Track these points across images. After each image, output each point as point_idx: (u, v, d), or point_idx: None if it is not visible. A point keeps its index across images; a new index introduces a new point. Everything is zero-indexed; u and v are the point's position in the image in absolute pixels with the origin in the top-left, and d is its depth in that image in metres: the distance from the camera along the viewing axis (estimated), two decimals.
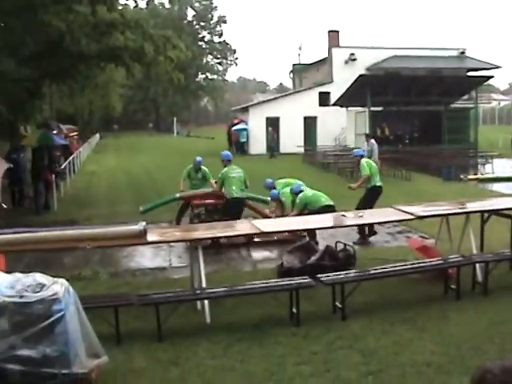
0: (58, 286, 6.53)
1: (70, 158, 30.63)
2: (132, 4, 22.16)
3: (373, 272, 9.40)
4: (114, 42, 20.48)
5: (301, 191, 13.71)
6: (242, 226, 10.42)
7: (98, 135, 75.94)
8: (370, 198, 14.68)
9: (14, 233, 9.15)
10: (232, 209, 13.66)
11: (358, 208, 13.56)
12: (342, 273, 9.23)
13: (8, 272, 7.08)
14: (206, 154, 42.76)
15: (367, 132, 27.65)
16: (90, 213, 19.58)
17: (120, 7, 20.96)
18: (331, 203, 13.46)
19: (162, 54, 20.75)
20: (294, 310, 8.56)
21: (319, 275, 9.03)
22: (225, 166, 14.49)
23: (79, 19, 19.58)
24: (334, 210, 12.66)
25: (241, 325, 8.62)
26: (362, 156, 15.50)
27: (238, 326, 8.56)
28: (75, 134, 39.36)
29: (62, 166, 26.42)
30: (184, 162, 22.86)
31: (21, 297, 6.33)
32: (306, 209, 13.31)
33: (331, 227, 10.90)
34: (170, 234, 10.05)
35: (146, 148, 52.73)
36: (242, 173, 14.36)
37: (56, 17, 18.05)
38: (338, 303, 8.82)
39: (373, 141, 25.53)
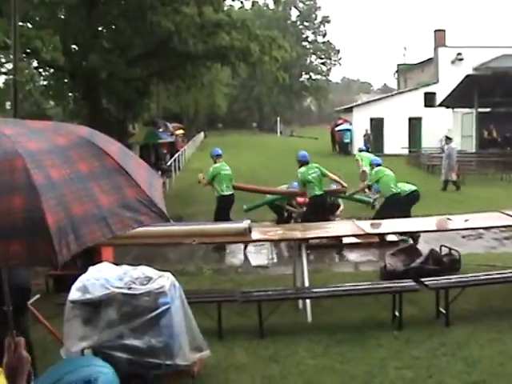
0: (164, 280, 6.66)
1: (176, 155, 31.31)
2: (237, 5, 22.18)
3: (479, 278, 9.08)
4: (221, 42, 20.82)
5: (379, 165, 13.65)
6: (346, 227, 10.34)
7: (202, 133, 77.27)
8: (387, 208, 13.65)
9: None
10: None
11: (374, 218, 13.11)
12: (446, 277, 8.98)
13: (116, 264, 7.29)
14: (310, 154, 42.86)
15: (448, 135, 26.84)
16: (195, 209, 19.95)
17: (226, 8, 21.17)
18: (416, 188, 14.21)
19: (267, 54, 20.91)
20: (397, 314, 8.40)
21: (423, 279, 8.82)
22: (215, 162, 14.91)
23: (186, 20, 20.00)
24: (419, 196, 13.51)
25: (342, 326, 8.54)
26: (378, 165, 15.26)
27: (338, 327, 8.48)
28: (181, 131, 40.12)
29: (168, 163, 27.05)
30: (286, 161, 23.02)
31: (129, 288, 6.50)
32: (378, 190, 14.27)
33: (436, 231, 10.62)
34: (273, 233, 10.11)
35: (250, 147, 53.12)
36: (230, 171, 15.04)
37: (165, 18, 18.50)
38: (441, 308, 8.57)
39: (452, 144, 25.10)
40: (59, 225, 2.95)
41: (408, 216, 13.07)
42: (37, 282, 11.17)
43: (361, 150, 15.43)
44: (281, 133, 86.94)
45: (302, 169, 14.13)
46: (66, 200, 3.10)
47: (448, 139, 25.13)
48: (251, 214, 15.12)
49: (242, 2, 22.52)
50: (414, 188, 14.40)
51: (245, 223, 9.21)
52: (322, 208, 13.95)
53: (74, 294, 6.62)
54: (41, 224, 2.88)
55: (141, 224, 3.42)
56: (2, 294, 5.66)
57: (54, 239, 2.85)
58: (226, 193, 14.62)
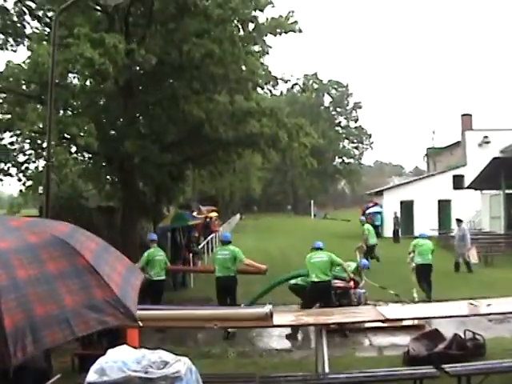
0: (180, 364, 6.58)
1: (209, 237, 31.45)
2: (269, 92, 22.61)
3: (504, 365, 8.78)
4: (251, 129, 21.16)
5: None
6: (367, 313, 10.19)
7: (238, 216, 77.66)
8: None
9: (144, 309, 9.45)
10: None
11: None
12: (469, 364, 8.72)
13: (142, 346, 7.26)
14: (342, 236, 42.91)
15: (459, 218, 26.46)
16: None
17: (256, 95, 21.64)
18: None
19: (295, 141, 21.17)
20: None
21: (445, 365, 8.58)
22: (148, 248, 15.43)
23: (219, 108, 20.46)
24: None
25: None
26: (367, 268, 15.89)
27: None
28: (215, 214, 40.44)
29: (201, 245, 27.15)
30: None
31: (145, 372, 6.44)
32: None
33: (456, 316, 10.38)
34: (295, 318, 10.00)
35: (284, 229, 53.15)
36: (163, 256, 15.75)
37: (196, 106, 18.97)
38: None
39: (464, 226, 24.85)
40: (17, 326, 2.98)
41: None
42: (63, 360, 11.19)
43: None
44: (315, 215, 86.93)
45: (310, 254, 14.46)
46: (28, 300, 3.13)
47: (459, 221, 24.82)
48: (278, 297, 14.98)
49: (270, 91, 22.76)
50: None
51: (266, 308, 9.13)
52: (320, 294, 13.83)
53: (92, 375, 6.57)
54: None
55: (106, 325, 3.42)
56: (22, 377, 5.69)
57: (9, 342, 2.89)
58: (155, 278, 14.88)
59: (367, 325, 12.88)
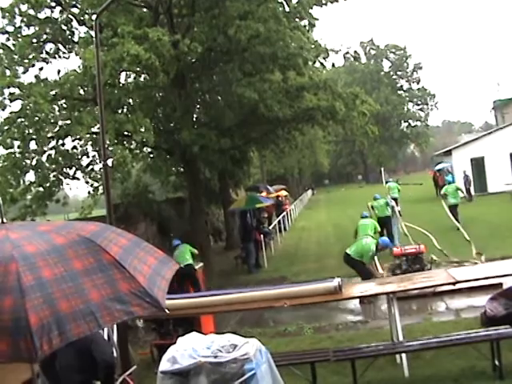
0: (249, 346, 6.61)
1: (280, 216, 31.52)
2: (321, 65, 22.29)
3: None
4: (307, 104, 21.00)
5: None
6: (437, 276, 9.96)
7: (309, 191, 77.54)
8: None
9: (214, 295, 9.54)
10: None
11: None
12: None
13: (218, 331, 7.37)
14: (415, 201, 42.21)
15: None
16: (299, 268, 19.87)
17: (311, 71, 21.41)
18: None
19: (353, 110, 20.89)
20: (497, 363, 7.93)
21: None
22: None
23: (273, 87, 20.40)
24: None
25: (440, 378, 8.17)
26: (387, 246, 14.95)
27: (437, 380, 8.13)
28: (284, 192, 40.47)
29: (272, 225, 27.23)
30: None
31: (215, 357, 6.50)
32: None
33: None
34: (364, 288, 9.88)
35: (356, 200, 52.52)
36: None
37: (249, 88, 18.93)
38: None
39: None
40: (42, 323, 3.11)
41: None
42: (143, 352, 11.47)
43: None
44: (386, 182, 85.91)
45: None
46: (53, 298, 3.27)
47: None
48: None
49: (322, 64, 22.45)
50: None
51: (335, 281, 9.05)
52: None
53: (164, 364, 6.69)
54: (24, 323, 3.04)
55: (131, 315, 3.52)
56: (92, 368, 5.86)
57: (35, 337, 3.01)
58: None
59: (443, 288, 12.63)
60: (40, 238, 3.73)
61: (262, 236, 22.00)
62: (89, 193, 17.19)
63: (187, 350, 6.81)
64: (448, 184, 36.06)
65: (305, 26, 20.68)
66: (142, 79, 20.14)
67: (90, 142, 17.02)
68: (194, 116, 21.85)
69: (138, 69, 17.35)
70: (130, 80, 19.94)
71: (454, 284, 9.34)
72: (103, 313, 3.37)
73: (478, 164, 42.97)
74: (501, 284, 12.27)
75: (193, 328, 8.69)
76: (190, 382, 6.40)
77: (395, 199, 25.99)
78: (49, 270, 3.40)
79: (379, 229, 17.81)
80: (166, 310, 3.92)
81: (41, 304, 3.20)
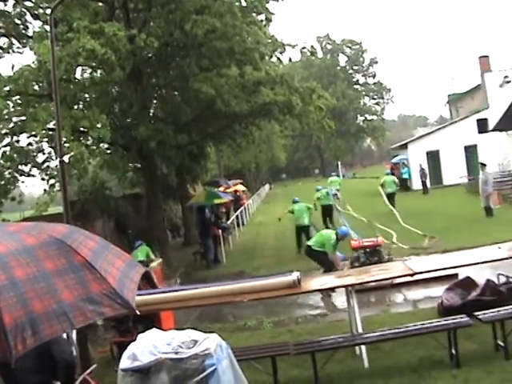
0: (209, 342, 6.62)
1: (238, 211, 31.52)
2: (281, 60, 22.40)
3: None
4: (264, 99, 21.05)
5: None
6: (395, 268, 10.11)
7: (267, 186, 77.69)
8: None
9: (173, 291, 9.52)
10: None
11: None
12: (501, 309, 8.60)
13: (178, 327, 7.35)
14: (371, 194, 42.72)
15: (482, 161, 25.57)
16: (258, 263, 19.94)
17: (268, 66, 21.46)
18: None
19: (310, 105, 21.01)
20: (454, 351, 8.09)
21: (477, 313, 8.49)
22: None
23: (229, 82, 20.39)
24: None
25: (399, 368, 8.29)
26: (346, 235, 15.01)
27: (396, 370, 8.24)
28: (241, 187, 40.38)
29: (230, 220, 27.23)
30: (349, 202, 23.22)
31: (176, 353, 6.49)
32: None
33: (486, 261, 10.17)
34: (323, 281, 9.96)
35: (313, 193, 52.84)
36: None
37: (206, 83, 18.88)
38: (499, 341, 8.21)
39: (488, 170, 24.12)
40: (16, 322, 3.10)
41: None
42: (103, 350, 11.38)
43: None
44: (343, 176, 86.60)
45: None
46: (26, 297, 3.28)
47: (482, 165, 24.14)
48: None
49: (278, 59, 22.57)
50: None
51: (294, 275, 9.11)
52: None
53: (124, 362, 6.65)
54: None
55: (103, 316, 3.56)
56: (51, 368, 5.78)
57: (9, 336, 2.99)
58: None
59: (401, 280, 12.81)
60: (10, 238, 3.73)
61: (220, 231, 21.97)
62: (45, 190, 16.94)
63: (147, 347, 6.79)
64: (403, 172, 37.18)
65: (261, 21, 20.72)
66: (97, 74, 19.90)
67: (45, 139, 16.76)
68: (151, 111, 21.68)
69: (94, 64, 17.20)
70: (85, 75, 19.70)
71: (411, 275, 9.50)
72: (76, 313, 3.38)
73: (434, 157, 43.73)
74: (456, 275, 12.55)
75: (153, 325, 8.63)
76: (150, 379, 6.38)
77: (391, 194, 28.95)
78: (21, 269, 3.40)
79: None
80: (137, 311, 3.94)
81: (14, 303, 3.20)
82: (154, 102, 22.19)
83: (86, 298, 3.51)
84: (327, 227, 21.89)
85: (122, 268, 4.15)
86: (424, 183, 40.51)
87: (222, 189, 31.77)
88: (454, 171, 41.21)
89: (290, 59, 35.38)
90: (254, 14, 20.55)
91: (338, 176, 42.42)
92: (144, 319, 10.60)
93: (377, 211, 26.41)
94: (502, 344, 8.14)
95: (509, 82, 43.23)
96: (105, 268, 3.82)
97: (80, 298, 3.48)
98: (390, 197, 27.86)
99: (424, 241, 18.17)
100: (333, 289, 12.06)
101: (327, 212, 24.56)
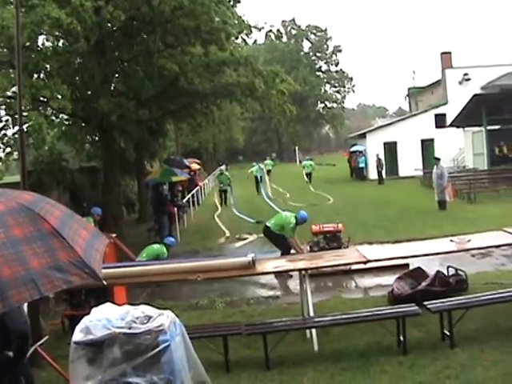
0: (163, 318, 6.67)
1: (194, 190, 31.38)
2: (244, 42, 22.34)
3: (483, 298, 8.91)
4: (227, 79, 21.05)
5: None
6: (349, 255, 10.30)
7: (223, 167, 77.64)
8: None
9: (128, 266, 9.53)
10: None
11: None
12: (449, 299, 8.85)
13: (130, 303, 7.36)
14: (327, 181, 43.12)
15: (437, 156, 26.18)
16: (212, 243, 20.00)
17: (232, 46, 21.39)
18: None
19: (272, 88, 21.06)
20: (402, 338, 8.31)
21: (426, 302, 8.72)
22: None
23: (194, 60, 20.31)
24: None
25: (348, 353, 8.48)
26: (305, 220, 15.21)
27: (344, 354, 8.42)
28: (197, 166, 39.98)
29: (185, 199, 27.15)
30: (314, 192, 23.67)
31: (129, 328, 6.52)
32: None
33: (438, 253, 10.48)
34: (278, 264, 10.09)
35: (273, 178, 53.35)
36: None
37: (170, 60, 18.75)
38: (446, 331, 8.46)
39: (442, 164, 24.46)
40: None
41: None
42: (54, 322, 11.31)
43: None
44: (300, 161, 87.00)
45: None
46: None
47: (437, 160, 24.54)
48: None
49: (244, 40, 22.55)
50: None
51: (249, 256, 9.23)
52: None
53: (78, 335, 6.66)
54: None
55: (70, 284, 3.59)
56: (4, 338, 5.75)
57: None
58: None
59: (354, 267, 13.03)
60: None
61: (175, 209, 21.93)
62: (0, 158, 16.69)
63: (101, 321, 6.80)
64: (360, 162, 38.96)
65: (229, 1, 20.63)
66: (60, 44, 19.58)
67: (2, 106, 16.48)
68: (113, 85, 21.41)
69: (58, 33, 16.89)
70: (47, 44, 19.33)
71: (364, 263, 9.69)
72: (44, 281, 3.39)
73: (391, 148, 44.46)
74: (407, 265, 12.82)
75: (105, 299, 8.64)
76: (103, 353, 6.40)
77: (309, 174, 44.47)
78: None
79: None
80: (104, 281, 3.97)
81: None
82: (117, 75, 21.88)
83: (53, 265, 3.53)
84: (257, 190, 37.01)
85: (87, 238, 4.17)
86: (380, 173, 41.08)
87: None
88: (410, 163, 41.97)
89: (256, 41, 35.26)
90: None
91: (311, 159, 51.32)
92: (96, 293, 10.59)
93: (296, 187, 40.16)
94: (447, 333, 8.38)
95: (468, 79, 44.04)
96: (71, 237, 3.84)
97: (48, 266, 3.49)
98: (308, 175, 44.18)
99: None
100: (288, 272, 12.24)
101: (257, 182, 38.74)
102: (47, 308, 12.24)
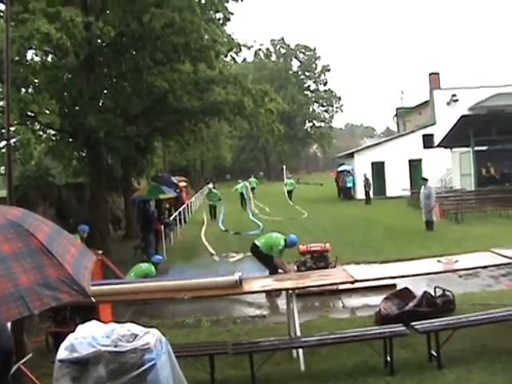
0: (149, 336, 6.62)
1: (181, 208, 31.35)
2: (233, 60, 22.45)
3: (470, 318, 8.93)
4: (216, 97, 21.11)
5: None
6: (336, 275, 10.29)
7: (211, 185, 77.56)
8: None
9: (114, 284, 9.47)
10: None
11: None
12: (436, 320, 8.87)
13: (116, 320, 7.30)
14: (314, 200, 43.15)
15: (424, 176, 26.51)
16: (198, 261, 19.90)
17: (221, 64, 21.48)
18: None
19: (261, 107, 21.12)
20: (389, 359, 8.30)
21: (413, 323, 8.73)
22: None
23: (183, 77, 20.36)
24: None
25: (335, 373, 8.45)
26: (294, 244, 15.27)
27: (331, 374, 8.39)
28: (183, 184, 39.89)
29: (172, 217, 27.11)
30: (293, 208, 23.80)
31: (115, 346, 6.46)
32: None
33: (425, 274, 10.49)
34: (265, 284, 10.07)
35: (257, 195, 53.34)
36: None
37: (159, 77, 18.77)
38: (433, 351, 8.45)
39: (430, 184, 24.70)
40: None
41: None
42: (38, 340, 11.19)
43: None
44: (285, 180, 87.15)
45: None
46: None
47: (424, 180, 24.74)
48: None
49: (233, 59, 22.65)
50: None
51: (236, 275, 9.19)
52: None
53: (62, 352, 6.58)
54: None
55: (59, 301, 3.57)
56: None
57: None
58: None
59: (341, 287, 13.01)
60: None
61: (162, 227, 21.89)
62: None
63: (86, 339, 6.73)
64: (348, 181, 39.26)
65: (219, 19, 20.71)
66: (49, 59, 19.57)
67: None
68: (101, 101, 21.41)
69: (47, 48, 16.88)
70: (36, 59, 19.32)
71: (352, 283, 9.68)
72: (33, 298, 3.37)
73: (379, 168, 44.61)
74: (395, 285, 12.83)
75: (90, 317, 8.57)
76: (88, 371, 6.33)
77: (290, 192, 47.90)
78: None
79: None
80: (93, 299, 3.95)
81: None
82: (105, 91, 21.89)
83: (42, 282, 3.51)
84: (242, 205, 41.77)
85: (76, 255, 4.14)
86: (367, 193, 41.20)
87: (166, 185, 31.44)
88: (397, 183, 42.09)
89: (245, 60, 35.47)
90: (211, 12, 20.54)
91: (290, 178, 55.02)
92: (82, 310, 10.50)
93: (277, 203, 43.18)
94: (435, 354, 8.38)
95: (456, 100, 44.40)
96: (60, 253, 3.82)
97: (37, 283, 3.48)
98: (289, 193, 47.48)
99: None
100: (277, 292, 12.22)
101: (242, 198, 42.91)
102: (31, 325, 12.12)
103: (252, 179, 55.87)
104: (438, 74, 48.71)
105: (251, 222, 30.56)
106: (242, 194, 43.30)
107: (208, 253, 21.85)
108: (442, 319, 8.99)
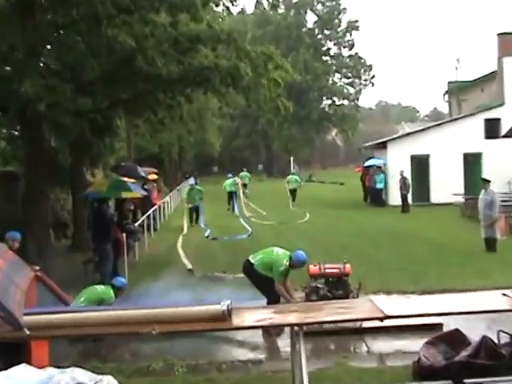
0: None
1: (150, 210, 31.26)
2: (230, 10, 22.21)
3: None
4: (202, 61, 20.97)
5: None
6: (360, 307, 10.19)
7: (192, 180, 77.60)
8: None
9: (55, 312, 9.34)
10: None
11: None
12: (502, 378, 8.77)
13: (53, 365, 7.19)
14: (331, 204, 43.10)
15: (485, 177, 25.24)
16: (170, 281, 19.82)
17: (210, 15, 21.38)
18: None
19: (263, 76, 20.97)
20: None
21: (467, 380, 8.64)
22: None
23: (157, 32, 20.21)
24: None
25: None
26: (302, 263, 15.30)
27: None
28: (153, 177, 39.52)
29: (138, 222, 27.03)
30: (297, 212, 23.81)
31: None
32: None
33: (487, 311, 10.36)
34: (261, 317, 9.97)
35: (252, 197, 53.31)
36: None
37: (124, 30, 18.63)
38: None
39: (493, 188, 23.88)
40: None
41: None
42: None
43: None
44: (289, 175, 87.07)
45: None
46: None
47: (486, 182, 23.76)
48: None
49: (227, 8, 22.41)
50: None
51: (223, 304, 9.08)
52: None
53: None
54: None
55: None
56: None
57: None
58: None
59: (365, 324, 12.95)
60: None
61: (124, 235, 21.76)
62: None
63: None
64: (378, 181, 38.78)
65: None
66: None
67: None
68: (43, 60, 21.28)
69: None
70: None
71: (381, 320, 9.57)
72: None
73: (421, 164, 44.00)
74: (441, 325, 12.74)
75: (17, 359, 8.45)
76: None
77: (293, 190, 49.82)
78: None
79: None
80: (26, 330, 3.84)
81: None
82: (49, 47, 21.76)
83: None
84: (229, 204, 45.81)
85: (4, 269, 4.04)
86: (405, 198, 40.71)
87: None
88: (446, 186, 41.42)
89: (243, 11, 35.30)
90: None
91: (294, 174, 55.85)
92: (6, 351, 10.36)
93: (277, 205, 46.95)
94: None
95: None
96: None
97: None
98: (292, 192, 49.84)
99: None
100: (277, 328, 12.13)
101: (230, 196, 46.44)
102: None
103: (244, 173, 60.14)
104: (510, 34, 46.39)
105: (241, 227, 32.04)
106: (230, 192, 46.48)
107: (185, 270, 21.81)
108: (509, 378, 8.89)
